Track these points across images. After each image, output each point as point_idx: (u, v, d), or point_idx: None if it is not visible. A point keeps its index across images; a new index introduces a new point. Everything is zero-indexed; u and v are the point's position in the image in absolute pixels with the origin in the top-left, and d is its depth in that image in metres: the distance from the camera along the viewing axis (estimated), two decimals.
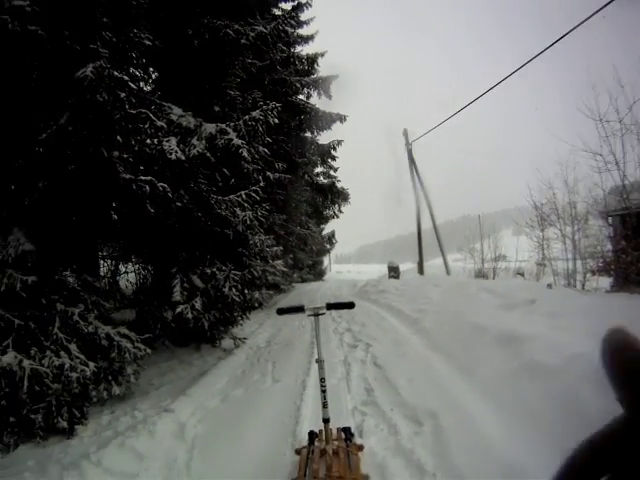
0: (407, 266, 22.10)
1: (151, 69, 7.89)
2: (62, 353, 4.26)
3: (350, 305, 3.39)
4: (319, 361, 3.25)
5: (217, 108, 7.79)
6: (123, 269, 8.27)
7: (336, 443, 3.14)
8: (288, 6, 14.14)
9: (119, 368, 4.94)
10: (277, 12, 13.46)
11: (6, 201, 4.46)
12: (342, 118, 16.67)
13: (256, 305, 8.53)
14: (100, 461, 3.72)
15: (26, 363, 3.89)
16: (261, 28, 7.56)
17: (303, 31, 16.40)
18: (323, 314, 3.30)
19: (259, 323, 10.33)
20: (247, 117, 6.44)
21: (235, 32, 7.20)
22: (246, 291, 7.25)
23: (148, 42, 5.78)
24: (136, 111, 4.74)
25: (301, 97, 16.15)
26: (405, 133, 20.54)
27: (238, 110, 8.41)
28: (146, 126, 4.93)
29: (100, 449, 3.93)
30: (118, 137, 4.76)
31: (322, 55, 15.72)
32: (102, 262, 7.72)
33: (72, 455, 3.92)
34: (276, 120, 6.79)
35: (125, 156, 5.07)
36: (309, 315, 3.29)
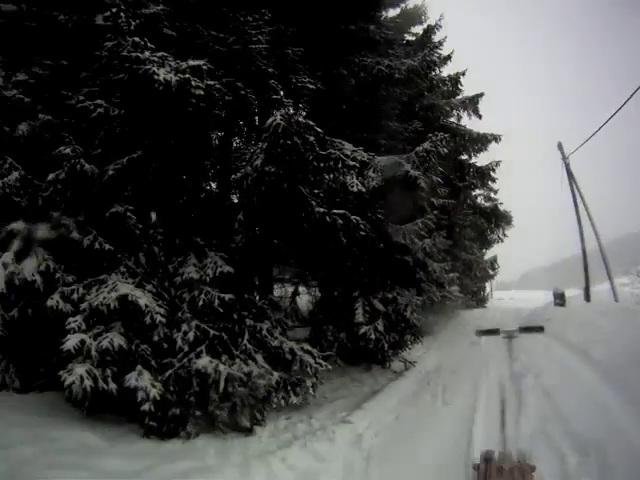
0: (572, 292, 19.91)
1: (300, 105, 8.63)
2: (250, 362, 4.84)
3: (540, 329, 3.76)
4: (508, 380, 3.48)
5: (383, 141, 8.24)
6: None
7: (511, 462, 3.12)
8: (419, 29, 14.31)
9: (298, 380, 5.38)
10: (409, 37, 13.73)
11: (201, 229, 5.36)
12: (497, 138, 16.12)
13: (429, 330, 8.67)
14: (285, 458, 4.20)
15: (222, 367, 4.53)
16: (410, 62, 7.86)
17: (439, 52, 16.24)
18: (516, 337, 3.50)
19: (426, 348, 10.21)
20: (419, 149, 6.69)
21: (387, 67, 7.60)
22: (422, 316, 7.65)
23: (311, 86, 6.40)
24: (326, 152, 5.30)
25: (452, 120, 16.10)
26: (560, 147, 18.62)
27: (402, 141, 8.80)
28: (339, 165, 5.43)
29: (282, 448, 4.42)
30: (310, 176, 5.41)
31: (463, 74, 15.27)
32: (281, 284, 8.61)
33: (254, 450, 4.43)
34: (445, 150, 6.94)
35: (316, 192, 5.72)
36: (503, 337, 3.53)
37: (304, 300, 9.24)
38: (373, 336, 6.85)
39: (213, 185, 6.92)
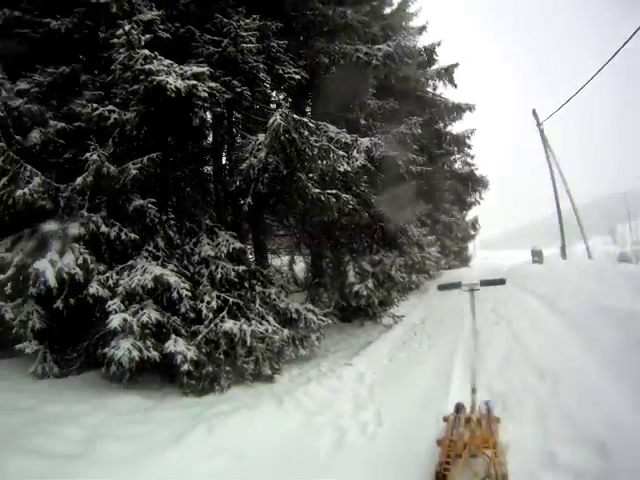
0: (552, 250, 21.23)
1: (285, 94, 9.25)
2: (264, 322, 5.73)
3: (502, 281, 3.83)
4: (474, 333, 3.70)
5: (363, 121, 9.07)
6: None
7: (479, 413, 3.52)
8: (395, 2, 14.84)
9: (304, 336, 6.33)
10: (386, 11, 14.23)
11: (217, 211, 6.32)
12: (471, 107, 17.05)
13: (413, 287, 10.13)
14: (307, 392, 5.25)
15: (245, 327, 5.40)
16: (386, 48, 8.51)
17: (414, 23, 16.78)
18: (478, 290, 3.70)
19: (412, 305, 11.34)
20: (396, 131, 7.52)
21: (365, 55, 8.27)
22: (405, 274, 8.90)
23: (297, 76, 7.14)
24: (319, 144, 6.03)
25: (428, 89, 16.80)
26: (534, 113, 19.49)
27: (380, 119, 9.67)
28: (330, 154, 6.16)
29: (302, 386, 5.44)
30: (306, 163, 6.13)
31: (439, 44, 15.75)
32: (276, 255, 9.72)
33: (280, 391, 5.37)
34: (419, 130, 7.71)
35: (311, 175, 6.48)
36: (464, 290, 3.71)
37: (299, 267, 10.28)
38: (365, 292, 8.02)
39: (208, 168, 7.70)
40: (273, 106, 7.96)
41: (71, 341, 5.76)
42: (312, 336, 6.36)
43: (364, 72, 8.69)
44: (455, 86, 16.78)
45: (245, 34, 6.20)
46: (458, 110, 17.05)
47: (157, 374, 5.52)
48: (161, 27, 5.85)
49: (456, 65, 16.69)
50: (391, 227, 8.42)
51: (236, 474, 3.59)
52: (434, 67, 16.67)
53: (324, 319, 6.46)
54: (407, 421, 4.34)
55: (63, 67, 6.03)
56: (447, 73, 16.57)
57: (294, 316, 6.20)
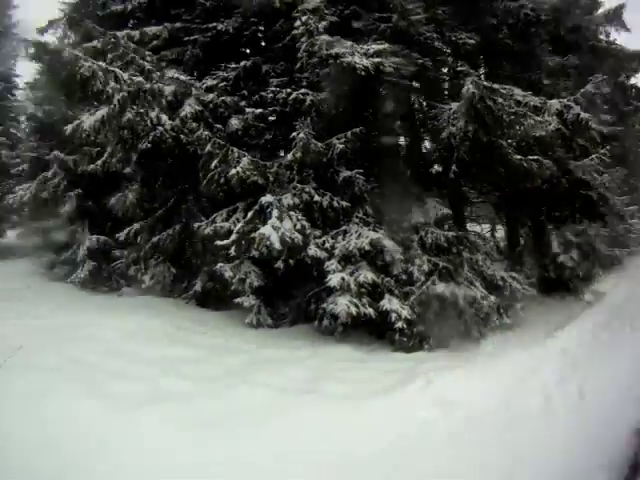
0: None
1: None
2: (472, 287, 5.77)
3: None
4: None
5: (546, 81, 8.46)
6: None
7: None
8: None
9: (508, 304, 6.22)
10: None
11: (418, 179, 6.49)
12: None
13: (615, 262, 9.56)
14: (514, 357, 5.24)
15: (457, 290, 5.56)
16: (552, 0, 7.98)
17: None
18: None
19: (613, 282, 10.24)
20: (584, 91, 7.00)
21: (532, 10, 7.77)
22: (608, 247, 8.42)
23: (470, 40, 6.96)
24: (514, 109, 5.94)
25: (601, 37, 14.77)
26: None
27: (561, 77, 8.95)
28: (527, 120, 6.00)
29: (508, 351, 5.44)
30: (504, 130, 6.13)
31: None
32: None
33: (488, 354, 5.48)
34: (607, 89, 7.24)
35: (509, 141, 6.40)
36: None
37: (498, 235, 10.13)
38: (570, 264, 7.71)
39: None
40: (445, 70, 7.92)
41: (283, 297, 6.59)
42: (516, 305, 6.27)
43: (535, 29, 8.19)
44: (628, 30, 14.67)
45: (411, 6, 6.22)
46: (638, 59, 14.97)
47: (366, 330, 5.93)
48: (326, 12, 6.12)
49: (623, 5, 14.52)
50: (592, 195, 7.81)
51: (450, 424, 3.81)
52: (600, 11, 14.61)
53: (528, 288, 6.37)
54: (607, 400, 4.19)
55: (244, 61, 6.83)
56: (615, 15, 14.54)
57: (499, 283, 6.14)
